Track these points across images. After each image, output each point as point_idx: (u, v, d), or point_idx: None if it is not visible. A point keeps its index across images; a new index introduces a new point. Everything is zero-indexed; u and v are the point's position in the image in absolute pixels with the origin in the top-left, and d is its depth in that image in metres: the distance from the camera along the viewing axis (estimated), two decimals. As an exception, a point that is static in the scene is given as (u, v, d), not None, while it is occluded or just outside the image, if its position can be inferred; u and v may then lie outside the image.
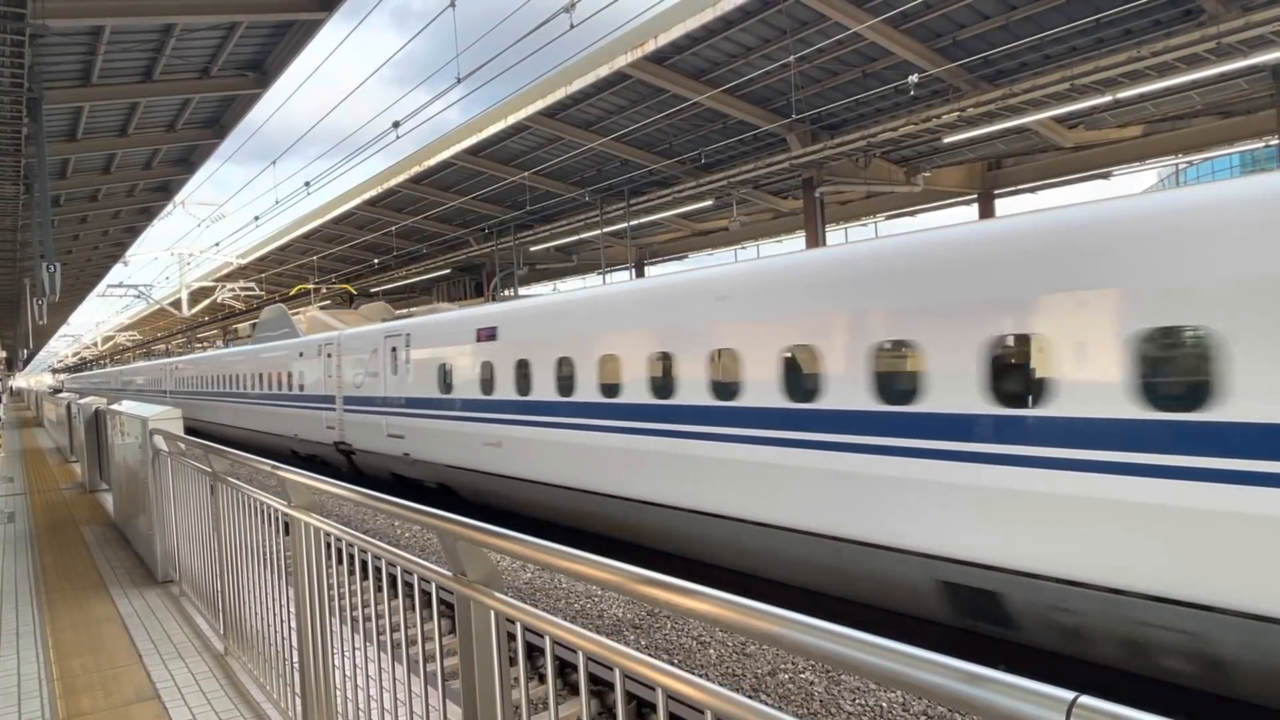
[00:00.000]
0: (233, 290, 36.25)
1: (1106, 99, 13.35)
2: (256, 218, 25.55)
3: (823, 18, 13.49)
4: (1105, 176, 18.50)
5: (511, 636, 2.39)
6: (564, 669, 6.74)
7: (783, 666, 7.16)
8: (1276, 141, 14.92)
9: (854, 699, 6.56)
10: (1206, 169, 40.72)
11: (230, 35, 10.02)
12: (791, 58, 14.14)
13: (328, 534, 3.56)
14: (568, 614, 8.91)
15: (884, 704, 6.45)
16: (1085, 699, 1.00)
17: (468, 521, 2.40)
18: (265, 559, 4.37)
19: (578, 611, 8.97)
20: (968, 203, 21.00)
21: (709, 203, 21.32)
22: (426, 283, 33.89)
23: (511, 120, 18.15)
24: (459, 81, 12.37)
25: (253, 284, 36.43)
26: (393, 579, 3.02)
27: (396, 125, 14.88)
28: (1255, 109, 15.39)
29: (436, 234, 29.00)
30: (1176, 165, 27.79)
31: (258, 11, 9.14)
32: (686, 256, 29.45)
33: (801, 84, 15.33)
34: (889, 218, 23.20)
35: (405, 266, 31.84)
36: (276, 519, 4.12)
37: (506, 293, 27.15)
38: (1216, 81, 14.13)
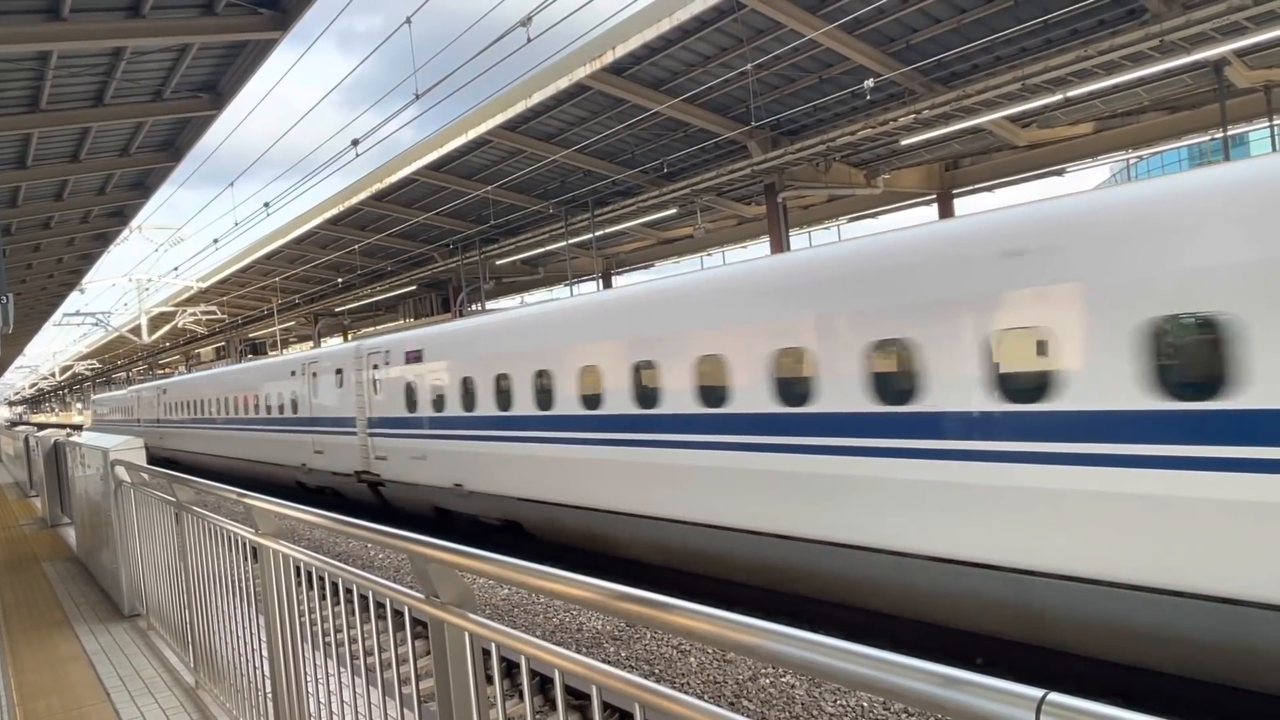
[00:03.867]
0: (194, 315, 35.64)
1: (1057, 98, 13.61)
2: (216, 240, 25.12)
3: (778, 25, 13.62)
4: (1059, 173, 18.85)
5: (488, 654, 2.37)
6: (544, 684, 6.69)
7: (764, 672, 7.17)
8: (1222, 135, 15.31)
9: (835, 700, 6.59)
10: (1156, 163, 41.66)
11: (182, 57, 9.87)
12: (749, 65, 14.25)
13: (297, 560, 3.50)
14: (546, 629, 8.85)
15: (865, 703, 6.48)
16: (1054, 696, 1.01)
17: (439, 543, 2.37)
18: (235, 588, 4.29)
19: (556, 626, 8.91)
20: (927, 203, 21.29)
21: (673, 211, 21.38)
22: (392, 300, 33.58)
23: (472, 135, 18.08)
24: (417, 98, 12.30)
25: (214, 308, 35.85)
26: (365, 603, 2.98)
27: (355, 143, 14.75)
28: (1200, 103, 15.78)
29: (401, 251, 28.76)
30: (1128, 160, 28.43)
31: (210, 33, 9.02)
32: (653, 265, 29.51)
33: (760, 91, 15.45)
34: (851, 220, 23.43)
35: (370, 285, 31.54)
36: (244, 547, 4.05)
37: (474, 308, 26.98)
38: (1162, 78, 14.47)
